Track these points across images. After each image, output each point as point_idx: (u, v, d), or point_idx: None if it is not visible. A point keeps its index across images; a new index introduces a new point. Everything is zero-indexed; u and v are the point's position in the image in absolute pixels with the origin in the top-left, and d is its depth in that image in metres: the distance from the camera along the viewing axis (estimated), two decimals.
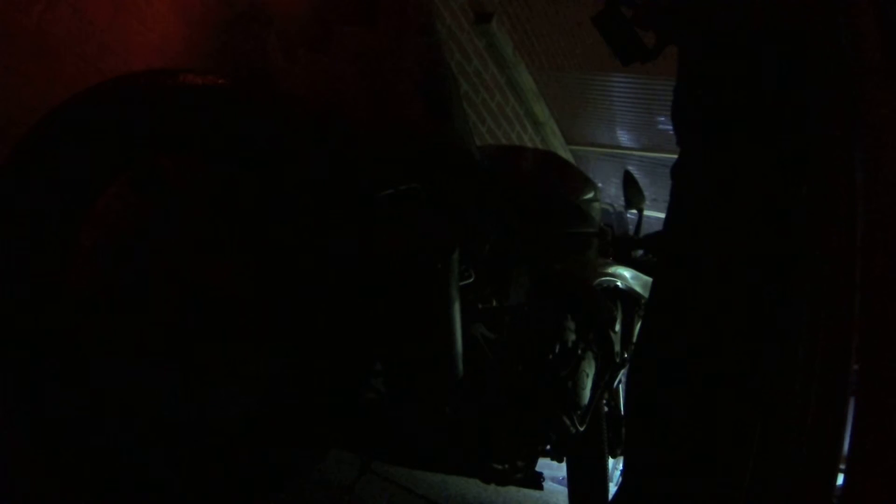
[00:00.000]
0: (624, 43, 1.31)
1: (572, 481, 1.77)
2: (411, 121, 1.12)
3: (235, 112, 1.00)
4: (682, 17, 1.19)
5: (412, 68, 1.13)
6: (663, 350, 1.04)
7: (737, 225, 1.00)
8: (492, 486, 1.77)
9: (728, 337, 0.97)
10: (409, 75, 1.12)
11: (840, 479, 0.73)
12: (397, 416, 1.21)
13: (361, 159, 1.09)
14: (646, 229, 1.87)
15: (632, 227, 1.89)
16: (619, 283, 1.64)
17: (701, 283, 1.01)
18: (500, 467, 1.32)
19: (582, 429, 1.50)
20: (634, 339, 1.72)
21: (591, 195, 1.63)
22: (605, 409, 1.74)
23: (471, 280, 1.26)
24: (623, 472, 1.14)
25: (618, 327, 1.66)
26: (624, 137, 4.33)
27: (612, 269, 1.64)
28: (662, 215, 1.15)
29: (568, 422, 1.45)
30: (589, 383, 1.54)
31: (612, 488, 1.76)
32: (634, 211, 1.87)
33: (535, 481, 1.40)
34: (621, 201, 1.95)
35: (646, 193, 1.92)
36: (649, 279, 1.61)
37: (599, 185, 4.49)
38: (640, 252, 1.82)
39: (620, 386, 1.81)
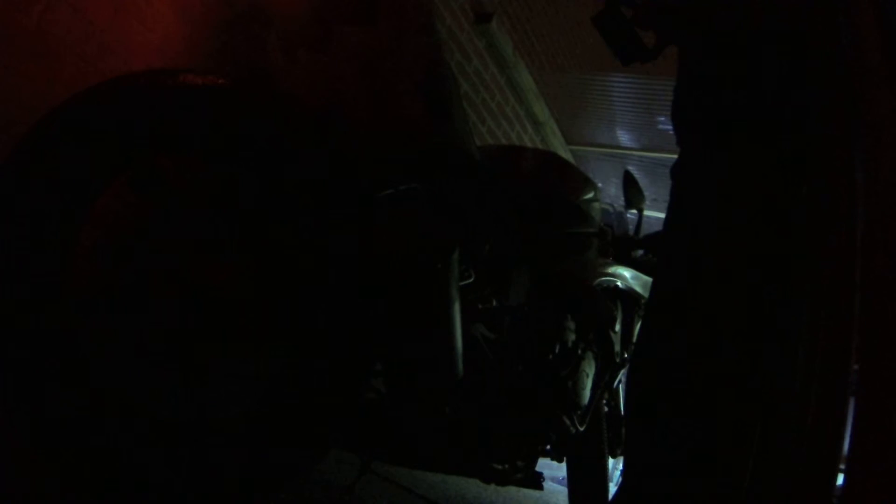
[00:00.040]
0: (624, 43, 1.31)
1: (572, 481, 1.77)
2: (411, 121, 1.12)
3: (235, 112, 1.00)
4: (682, 17, 1.19)
5: (412, 68, 1.13)
6: (663, 350, 1.04)
7: (737, 225, 1.00)
8: (492, 486, 1.77)
9: (728, 337, 0.97)
10: (409, 75, 1.12)
11: (840, 479, 0.73)
12: (397, 416, 1.21)
13: (361, 159, 1.09)
14: (646, 229, 1.87)
15: (632, 227, 1.89)
16: (619, 283, 1.64)
17: (701, 283, 1.01)
18: (500, 467, 1.32)
19: (582, 429, 1.50)
20: (634, 339, 1.72)
21: (591, 195, 1.63)
22: (605, 409, 1.74)
23: (471, 280, 1.26)
24: (623, 472, 1.14)
25: (618, 327, 1.66)
26: (624, 137, 4.33)
27: (612, 269, 1.64)
28: (662, 215, 1.15)
29: (568, 422, 1.45)
30: (589, 383, 1.54)
31: (612, 488, 1.76)
32: (634, 211, 1.87)
33: (535, 481, 1.40)
34: (621, 201, 1.95)
35: (646, 193, 1.92)
36: (649, 279, 1.61)
37: (599, 185, 4.48)
38: (640, 252, 1.82)
39: (620, 386, 1.81)
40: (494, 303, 1.39)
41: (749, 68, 1.03)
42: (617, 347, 1.64)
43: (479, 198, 1.31)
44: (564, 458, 1.69)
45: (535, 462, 1.43)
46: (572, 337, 1.49)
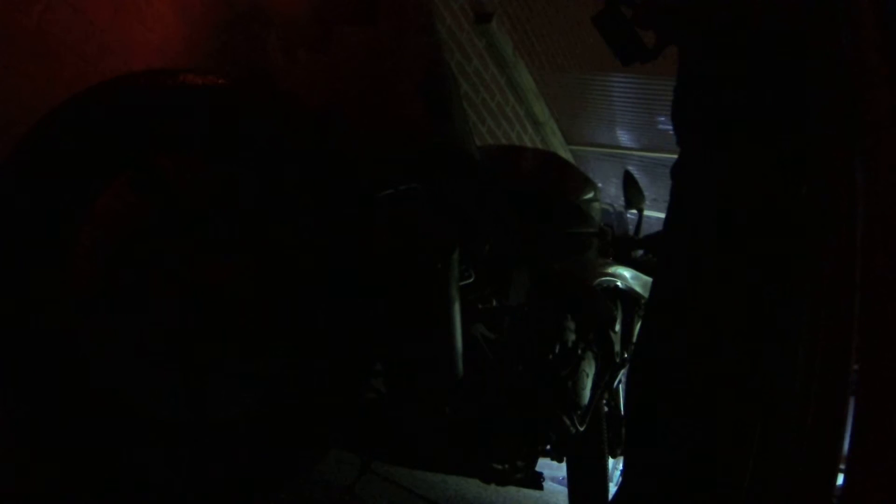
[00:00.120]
0: (624, 43, 1.31)
1: (572, 481, 1.77)
2: (411, 121, 1.12)
3: (235, 112, 1.00)
4: (682, 17, 1.19)
5: (412, 68, 1.13)
6: (663, 350, 1.04)
7: (737, 225, 1.00)
8: (492, 486, 1.77)
9: (728, 337, 0.97)
10: (409, 75, 1.12)
11: (840, 479, 0.73)
12: (397, 416, 1.21)
13: (361, 159, 1.09)
14: (646, 229, 1.87)
15: (632, 227, 1.90)
16: (619, 283, 1.64)
17: (701, 283, 1.01)
18: (500, 467, 1.32)
19: (582, 429, 1.50)
20: (634, 339, 1.72)
21: (591, 195, 1.63)
22: (605, 409, 1.74)
23: (471, 280, 1.26)
24: (623, 472, 1.14)
25: (618, 327, 1.66)
26: (624, 137, 4.33)
27: (612, 269, 1.65)
28: (662, 215, 1.15)
29: (568, 422, 1.45)
30: (589, 383, 1.54)
31: (612, 488, 1.76)
32: (634, 211, 1.87)
33: (535, 481, 1.40)
34: (621, 201, 1.95)
35: (646, 193, 1.92)
36: (649, 279, 1.61)
37: (599, 185, 4.48)
38: (640, 252, 1.82)
39: (620, 386, 1.81)
40: (494, 303, 1.39)
41: (749, 68, 1.03)
42: (617, 347, 1.64)
43: (479, 198, 1.31)
44: (564, 458, 1.69)
45: (535, 462, 1.43)
46: (572, 337, 1.49)
